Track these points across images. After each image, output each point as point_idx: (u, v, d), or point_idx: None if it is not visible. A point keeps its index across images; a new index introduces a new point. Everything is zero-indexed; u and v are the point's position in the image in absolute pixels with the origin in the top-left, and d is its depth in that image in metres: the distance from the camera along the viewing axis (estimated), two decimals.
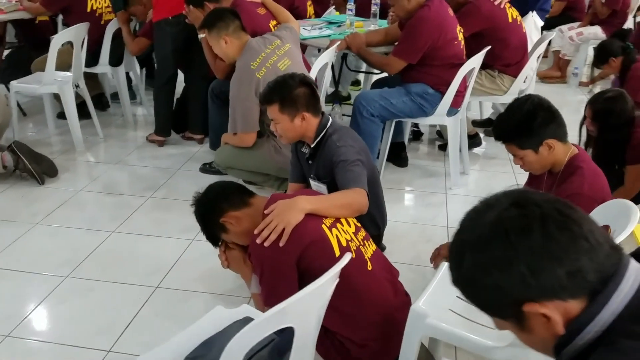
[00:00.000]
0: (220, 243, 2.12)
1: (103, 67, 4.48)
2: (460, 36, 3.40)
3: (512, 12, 3.81)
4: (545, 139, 1.95)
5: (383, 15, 4.27)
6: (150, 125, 4.50)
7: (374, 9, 4.13)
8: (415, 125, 4.30)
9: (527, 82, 3.96)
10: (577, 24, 5.95)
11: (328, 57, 3.41)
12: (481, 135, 4.34)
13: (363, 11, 4.33)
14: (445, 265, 2.06)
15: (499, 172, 3.90)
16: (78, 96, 4.20)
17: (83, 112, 4.24)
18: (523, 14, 4.09)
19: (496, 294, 0.84)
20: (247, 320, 1.67)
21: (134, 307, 2.44)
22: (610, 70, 4.14)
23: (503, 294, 0.84)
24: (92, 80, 4.56)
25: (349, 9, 4.09)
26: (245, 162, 3.14)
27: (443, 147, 4.19)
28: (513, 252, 0.82)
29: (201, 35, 3.33)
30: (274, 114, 2.31)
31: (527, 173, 2.26)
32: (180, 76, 4.25)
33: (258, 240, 1.79)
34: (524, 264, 0.81)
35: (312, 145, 2.37)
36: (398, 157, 3.85)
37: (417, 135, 4.40)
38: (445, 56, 3.30)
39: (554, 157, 1.98)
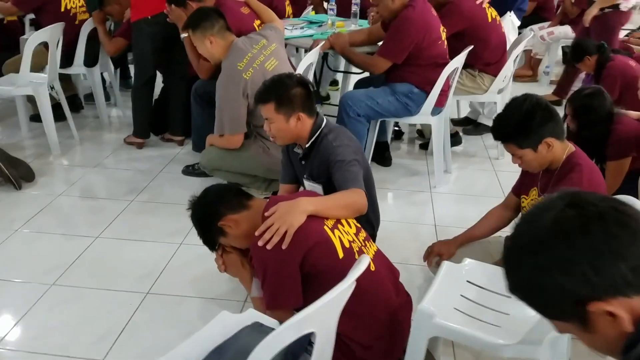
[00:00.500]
0: (217, 247, 2.08)
1: (78, 67, 4.38)
2: (444, 36, 3.43)
3: (492, 12, 3.86)
4: (544, 137, 1.97)
5: (362, 15, 4.28)
6: (125, 127, 4.41)
7: (354, 8, 4.15)
8: (396, 124, 4.32)
9: (505, 81, 4.02)
10: (547, 23, 6.06)
11: (313, 57, 3.39)
12: (460, 133, 4.38)
13: (343, 11, 4.33)
14: (445, 265, 2.06)
15: (480, 169, 3.95)
16: (51, 98, 4.09)
17: (56, 114, 4.11)
18: (501, 13, 4.14)
19: (558, 295, 0.84)
20: (256, 325, 1.64)
21: (125, 313, 2.38)
22: (585, 68, 4.21)
23: (565, 294, 0.83)
24: (65, 81, 4.44)
25: (330, 9, 4.08)
26: (233, 163, 3.09)
27: (424, 146, 4.22)
28: (574, 251, 0.82)
29: (184, 35, 3.26)
30: (269, 113, 2.26)
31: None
32: (158, 77, 4.17)
33: (260, 243, 1.76)
34: (586, 263, 0.81)
35: (307, 146, 2.34)
36: (382, 156, 3.85)
37: (398, 134, 4.41)
38: (429, 56, 3.32)
39: (552, 155, 2.01)
